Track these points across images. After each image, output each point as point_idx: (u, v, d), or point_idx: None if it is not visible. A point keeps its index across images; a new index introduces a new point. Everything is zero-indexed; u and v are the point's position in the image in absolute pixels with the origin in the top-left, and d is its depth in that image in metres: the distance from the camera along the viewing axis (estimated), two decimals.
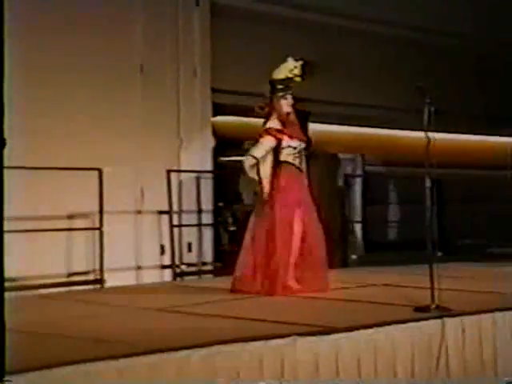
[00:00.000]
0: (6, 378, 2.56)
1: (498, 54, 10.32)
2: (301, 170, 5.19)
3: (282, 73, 5.17)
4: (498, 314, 4.02)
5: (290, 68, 5.16)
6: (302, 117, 5.50)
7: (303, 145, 5.21)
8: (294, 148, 5.13)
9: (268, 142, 5.11)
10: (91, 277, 6.68)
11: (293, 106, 5.18)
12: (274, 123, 5.16)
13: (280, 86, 5.13)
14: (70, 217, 6.37)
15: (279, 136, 5.10)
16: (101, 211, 6.63)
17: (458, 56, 10.18)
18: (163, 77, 7.44)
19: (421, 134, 4.24)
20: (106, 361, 2.88)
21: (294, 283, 5.08)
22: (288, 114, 5.16)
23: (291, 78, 5.16)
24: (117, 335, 3.56)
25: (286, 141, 5.12)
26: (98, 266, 6.63)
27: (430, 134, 4.20)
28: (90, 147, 6.66)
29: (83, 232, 6.63)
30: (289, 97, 5.14)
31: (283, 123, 5.15)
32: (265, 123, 5.20)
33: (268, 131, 5.12)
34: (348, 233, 8.94)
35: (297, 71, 5.15)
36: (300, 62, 5.18)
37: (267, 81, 5.22)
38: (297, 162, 5.15)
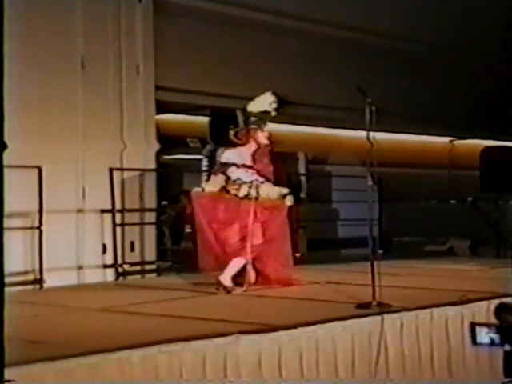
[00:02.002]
0: (5, 379, 2.51)
1: (435, 55, 10.57)
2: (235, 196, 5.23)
3: (259, 106, 5.25)
4: (434, 310, 4.12)
5: (269, 101, 5.25)
6: None
7: (253, 179, 5.24)
8: (234, 181, 5.21)
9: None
10: (30, 277, 6.53)
11: (269, 138, 5.29)
12: (228, 156, 5.27)
13: (254, 119, 5.23)
14: (8, 216, 6.19)
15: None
16: (40, 210, 6.50)
17: (400, 57, 10.38)
18: (105, 73, 7.33)
19: (363, 134, 4.30)
20: (44, 362, 2.82)
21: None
22: (266, 145, 5.27)
23: (268, 112, 5.25)
24: (56, 336, 3.50)
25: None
26: (37, 266, 6.50)
27: (372, 134, 4.26)
28: (29, 144, 6.51)
29: (22, 231, 6.48)
30: (265, 129, 5.26)
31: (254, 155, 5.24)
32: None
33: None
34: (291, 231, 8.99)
35: (275, 105, 5.25)
36: (275, 97, 5.26)
37: (240, 108, 5.31)
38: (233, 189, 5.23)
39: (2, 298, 2.52)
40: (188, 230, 9.43)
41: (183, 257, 8.90)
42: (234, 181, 5.21)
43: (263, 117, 5.23)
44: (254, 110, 5.24)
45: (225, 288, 5.08)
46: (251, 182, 5.19)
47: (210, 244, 5.20)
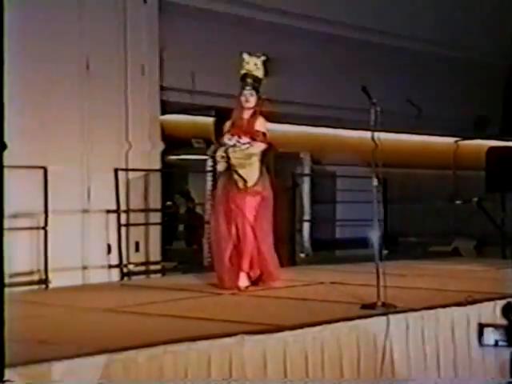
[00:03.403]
0: (6, 378, 2.51)
1: (440, 54, 10.55)
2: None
3: (240, 69, 5.25)
4: (440, 311, 4.11)
5: (242, 64, 5.23)
6: None
7: (235, 141, 5.22)
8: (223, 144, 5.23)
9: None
10: (36, 277, 6.55)
11: (257, 102, 5.22)
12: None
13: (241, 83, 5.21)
14: (14, 216, 6.21)
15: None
16: (46, 210, 6.51)
17: (405, 57, 10.37)
18: (110, 74, 7.35)
19: (367, 134, 4.30)
20: (49, 362, 2.83)
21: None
22: (243, 109, 5.19)
23: (246, 74, 5.20)
24: (61, 336, 3.51)
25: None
26: (42, 267, 6.51)
27: (376, 134, 4.26)
28: (34, 145, 6.53)
29: (27, 231, 6.50)
30: (247, 93, 5.18)
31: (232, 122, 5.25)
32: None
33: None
34: (296, 231, 9.01)
35: (250, 66, 5.21)
36: (261, 58, 5.25)
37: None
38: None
39: (2, 298, 2.52)
40: (181, 229, 9.51)
41: (188, 257, 8.93)
42: (222, 145, 5.22)
43: (244, 79, 5.21)
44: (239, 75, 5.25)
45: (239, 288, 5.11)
46: (234, 146, 5.17)
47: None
